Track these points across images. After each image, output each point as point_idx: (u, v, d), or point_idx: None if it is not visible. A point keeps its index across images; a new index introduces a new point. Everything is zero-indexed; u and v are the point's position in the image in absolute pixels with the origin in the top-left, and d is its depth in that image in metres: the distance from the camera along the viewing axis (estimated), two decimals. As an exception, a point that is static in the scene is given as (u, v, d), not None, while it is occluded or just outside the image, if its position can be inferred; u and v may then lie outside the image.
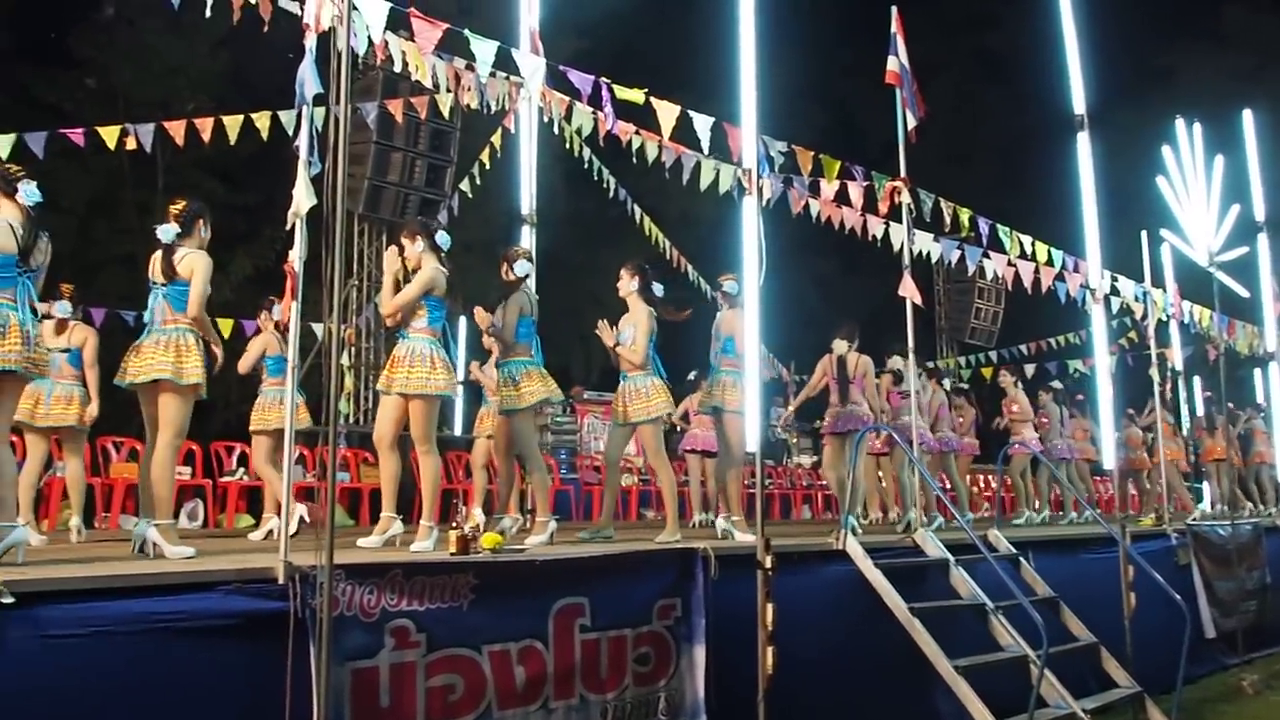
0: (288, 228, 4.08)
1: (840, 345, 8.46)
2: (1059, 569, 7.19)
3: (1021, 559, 6.92)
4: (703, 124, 6.26)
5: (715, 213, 18.17)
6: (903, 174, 7.11)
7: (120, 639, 3.49)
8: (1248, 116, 12.10)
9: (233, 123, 8.53)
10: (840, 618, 5.87)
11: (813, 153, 7.15)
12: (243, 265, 15.15)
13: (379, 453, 5.76)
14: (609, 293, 21.41)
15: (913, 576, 6.22)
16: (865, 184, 7.50)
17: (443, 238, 5.87)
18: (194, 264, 5.06)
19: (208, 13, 5.23)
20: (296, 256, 4.03)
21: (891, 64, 6.96)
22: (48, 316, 6.29)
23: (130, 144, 8.66)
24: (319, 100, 4.28)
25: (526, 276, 6.46)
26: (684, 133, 6.78)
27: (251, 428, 7.29)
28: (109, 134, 8.67)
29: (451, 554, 4.57)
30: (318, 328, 9.90)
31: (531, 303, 6.45)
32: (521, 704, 4.32)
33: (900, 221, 7.69)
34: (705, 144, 6.35)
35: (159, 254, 5.09)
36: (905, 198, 7.01)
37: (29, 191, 4.48)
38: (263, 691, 3.72)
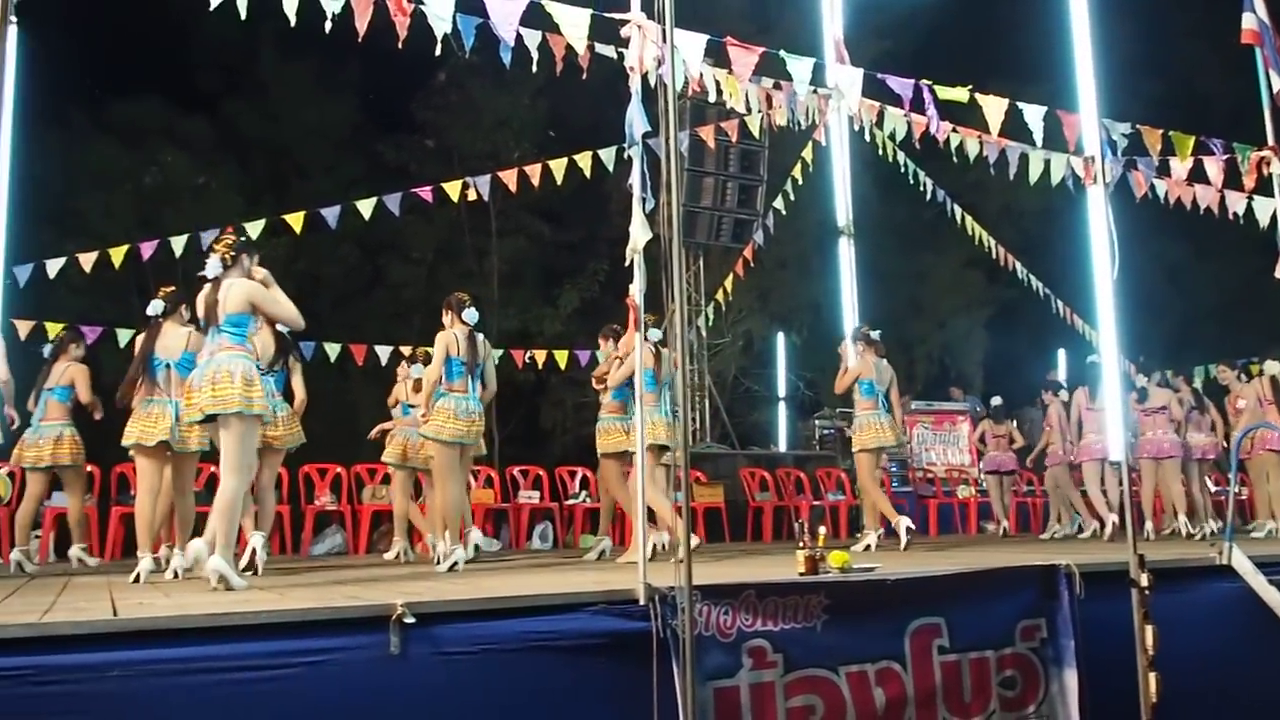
0: (627, 263, 4.25)
1: (1273, 366, 8.63)
2: None
3: None
4: (1034, 114, 5.89)
5: (1040, 204, 17.11)
6: (1270, 141, 6.32)
7: (504, 656, 3.77)
8: None
9: (557, 165, 9.10)
10: (1228, 641, 5.25)
11: (1161, 130, 6.51)
12: (570, 298, 16.10)
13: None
14: (931, 298, 20.88)
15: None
16: (1225, 157, 6.73)
17: (470, 314, 6.52)
18: (249, 291, 5.08)
19: (534, 67, 5.56)
20: (637, 290, 4.19)
21: (1248, 21, 6.23)
22: None
23: (471, 195, 9.48)
24: (648, 137, 4.44)
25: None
26: (1009, 125, 6.42)
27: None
28: (452, 188, 9.56)
29: (801, 574, 4.55)
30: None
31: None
32: (883, 727, 4.21)
33: (1270, 195, 6.84)
34: (1038, 135, 5.96)
35: (206, 289, 5.13)
36: (1276, 167, 6.22)
37: None
38: (629, 708, 3.88)
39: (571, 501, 10.80)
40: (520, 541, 10.40)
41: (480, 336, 6.30)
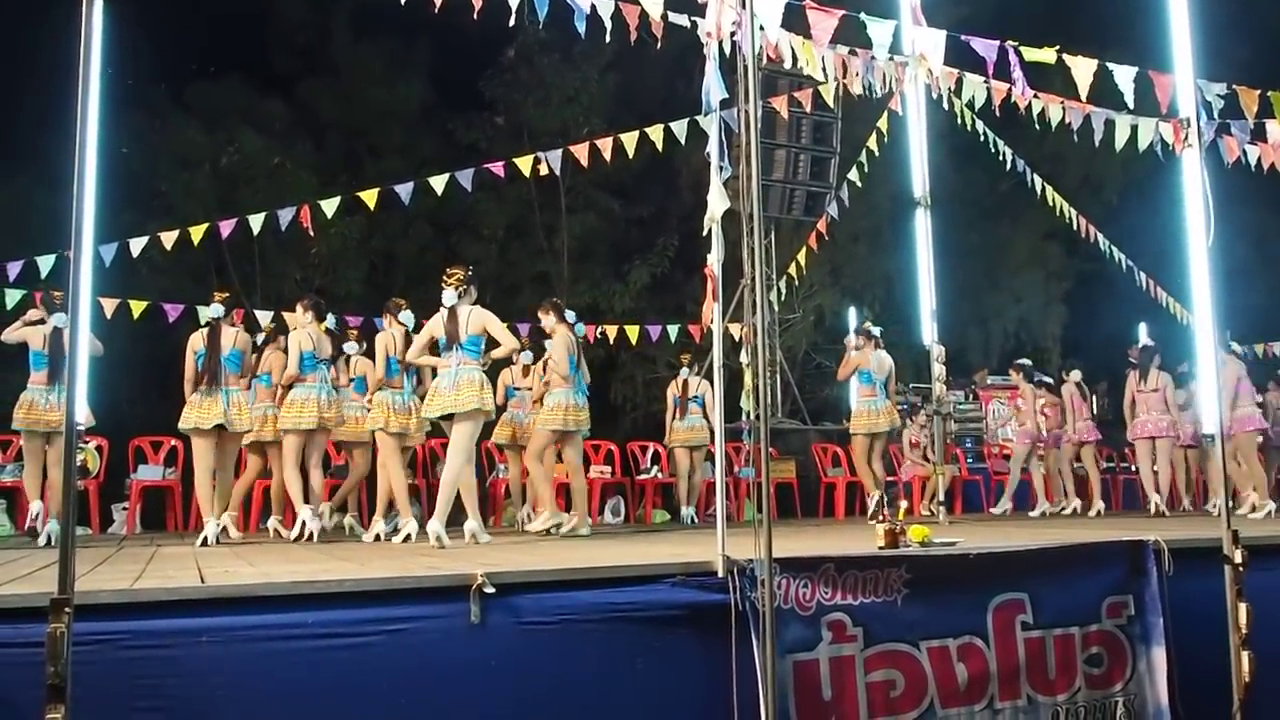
0: (705, 233, 4.21)
1: None
2: None
3: None
4: (1124, 76, 5.68)
5: (1121, 174, 16.61)
6: (1376, 99, 6.03)
7: (582, 626, 3.79)
8: None
9: (629, 139, 9.07)
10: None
11: (1259, 91, 6.25)
12: (640, 275, 16.08)
13: None
14: (1009, 271, 20.37)
15: None
16: (1327, 117, 6.44)
17: (406, 316, 7.34)
18: (484, 318, 6.35)
19: (607, 37, 5.54)
20: (715, 260, 4.15)
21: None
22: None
23: (542, 169, 9.50)
24: (722, 106, 4.38)
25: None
26: (1093, 91, 6.21)
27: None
28: (524, 163, 9.60)
29: (881, 548, 4.50)
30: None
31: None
32: (965, 702, 4.16)
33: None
34: (1129, 98, 5.76)
35: (445, 313, 6.32)
36: (1379, 127, 5.93)
37: None
38: (710, 679, 3.88)
39: (643, 476, 10.82)
40: (594, 516, 10.45)
41: (466, 310, 6.30)
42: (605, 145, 9.15)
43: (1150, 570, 4.62)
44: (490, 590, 3.66)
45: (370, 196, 9.40)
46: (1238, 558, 4.51)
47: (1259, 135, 7.31)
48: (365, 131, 16.46)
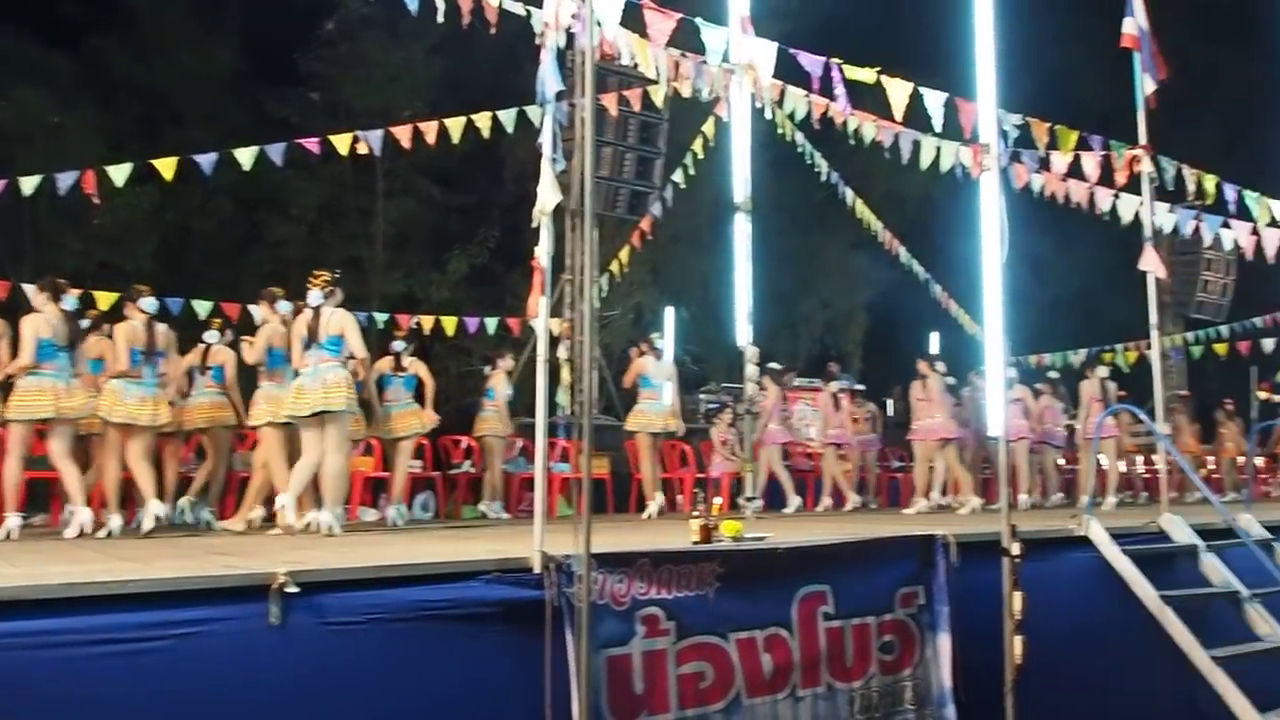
0: (534, 225, 4.18)
1: (1103, 370, 10.46)
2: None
3: (1276, 544, 6.39)
4: (934, 101, 6.04)
5: (922, 192, 17.63)
6: (1142, 141, 6.63)
7: (393, 626, 3.69)
8: None
9: (455, 125, 8.91)
10: (1086, 606, 5.60)
11: (1048, 124, 6.77)
12: (459, 264, 15.81)
13: None
14: (819, 277, 21.26)
15: (1160, 563, 5.86)
16: (1103, 154, 7.04)
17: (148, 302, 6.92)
18: (345, 321, 6.60)
19: (440, 18, 5.41)
20: (543, 253, 4.13)
21: (1128, 26, 6.48)
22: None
23: (362, 149, 9.18)
24: (556, 98, 4.36)
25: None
26: (904, 113, 6.57)
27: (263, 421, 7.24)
28: (341, 142, 9.24)
29: (695, 542, 4.60)
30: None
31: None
32: (770, 692, 4.31)
33: (1135, 192, 7.20)
34: (938, 121, 6.12)
35: (308, 314, 6.59)
36: (1146, 166, 6.53)
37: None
38: (523, 675, 3.87)
39: (455, 471, 10.63)
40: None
41: (329, 312, 6.59)
42: (429, 129, 8.94)
43: (939, 562, 4.95)
44: (293, 590, 3.49)
45: (168, 166, 8.80)
46: (1015, 550, 4.88)
47: (1045, 165, 7.92)
48: (165, 96, 15.44)
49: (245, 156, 8.86)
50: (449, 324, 11.55)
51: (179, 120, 15.34)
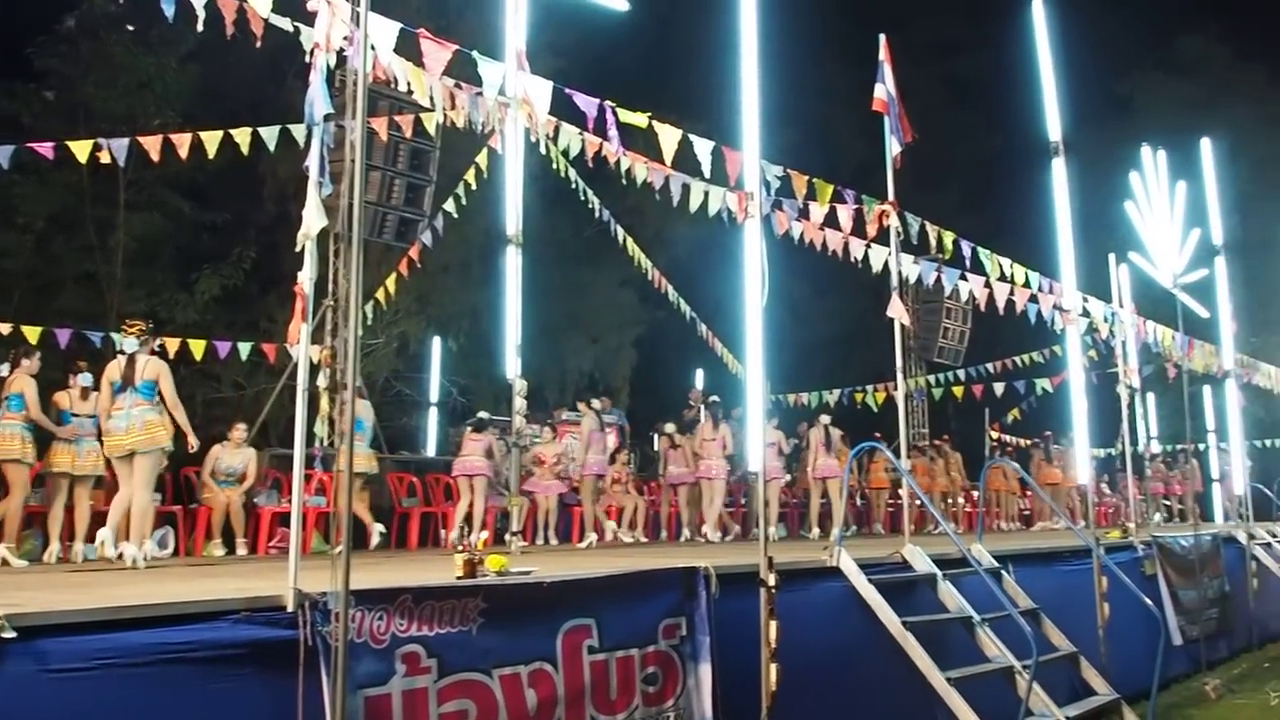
0: (298, 249, 4.01)
1: (825, 418, 11.88)
2: (1037, 580, 7.33)
3: (1004, 571, 7.03)
4: (703, 148, 6.29)
5: (690, 234, 18.28)
6: (890, 198, 7.19)
7: (129, 671, 3.39)
8: (1206, 145, 12.47)
9: (211, 138, 8.42)
10: (838, 633, 5.93)
11: (807, 176, 7.21)
12: (210, 285, 14.82)
13: None
14: (587, 313, 21.59)
15: (904, 591, 6.31)
16: (855, 207, 7.57)
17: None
18: (159, 368, 7.06)
19: (200, 25, 5.12)
20: (307, 278, 3.96)
21: (879, 91, 7.03)
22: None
23: (104, 157, 8.52)
24: (324, 119, 4.22)
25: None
26: (675, 156, 6.82)
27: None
28: (81, 148, 8.56)
29: (458, 577, 4.52)
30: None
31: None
32: (534, 728, 4.27)
33: (884, 244, 7.78)
34: (706, 168, 6.38)
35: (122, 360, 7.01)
36: (894, 220, 7.08)
37: None
38: (275, 720, 3.65)
39: (196, 505, 9.95)
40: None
41: (143, 359, 7.01)
42: (182, 141, 8.42)
43: (700, 593, 5.09)
44: (9, 635, 3.17)
45: None
46: (771, 580, 5.10)
47: (804, 214, 8.42)
48: None
49: (-34, 154, 8.03)
50: (197, 347, 10.84)
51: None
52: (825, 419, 12.06)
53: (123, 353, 7.06)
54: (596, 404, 11.02)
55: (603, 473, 10.88)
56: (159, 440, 6.92)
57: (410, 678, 3.95)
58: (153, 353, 7.42)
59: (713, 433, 10.85)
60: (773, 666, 4.99)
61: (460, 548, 4.70)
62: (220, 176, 14.11)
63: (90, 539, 7.84)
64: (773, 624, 5.04)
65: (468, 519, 9.71)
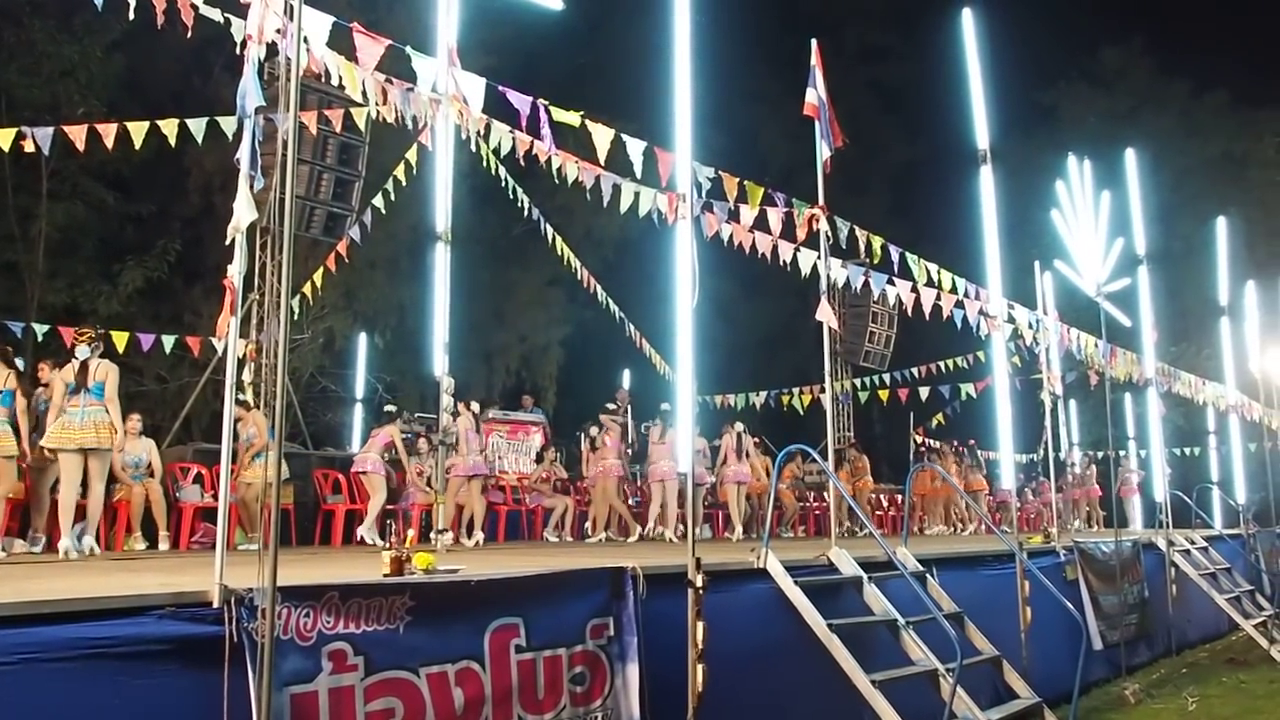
0: (227, 242, 3.97)
1: (740, 426, 12.21)
2: (961, 584, 7.46)
3: (928, 575, 7.15)
4: (635, 148, 6.33)
5: (619, 234, 18.34)
6: (820, 202, 7.31)
7: (50, 667, 3.35)
8: (1130, 156, 12.86)
9: (138, 129, 8.25)
10: (765, 635, 5.96)
11: (738, 179, 7.30)
12: (133, 277, 14.51)
13: None
14: (514, 311, 21.58)
15: (829, 593, 6.36)
16: (785, 210, 7.68)
17: None
18: (109, 371, 7.44)
19: (131, 14, 5.02)
20: (236, 272, 3.93)
21: (810, 96, 7.12)
22: None
23: (27, 146, 8.31)
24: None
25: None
26: (608, 155, 6.86)
27: None
28: (4, 136, 8.36)
29: (386, 575, 4.51)
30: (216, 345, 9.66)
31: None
32: (461, 726, 4.27)
33: (813, 247, 7.90)
34: (638, 168, 6.43)
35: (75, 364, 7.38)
36: (823, 224, 7.20)
37: None
38: (199, 717, 3.62)
39: (118, 498, 9.72)
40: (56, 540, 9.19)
41: (95, 363, 7.34)
42: (108, 131, 8.23)
43: (628, 594, 5.12)
44: (-73, 630, 3.11)
45: None
46: (699, 581, 5.16)
47: (734, 216, 8.51)
48: None
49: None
50: (120, 339, 10.60)
51: None
52: (739, 426, 12.35)
53: (76, 358, 7.47)
54: (475, 405, 10.98)
55: (479, 473, 10.82)
56: (106, 442, 7.39)
57: (337, 675, 3.94)
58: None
59: (660, 438, 11.10)
60: (699, 667, 5.02)
61: (389, 545, 4.67)
62: (145, 168, 13.85)
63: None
64: (700, 625, 5.08)
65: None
